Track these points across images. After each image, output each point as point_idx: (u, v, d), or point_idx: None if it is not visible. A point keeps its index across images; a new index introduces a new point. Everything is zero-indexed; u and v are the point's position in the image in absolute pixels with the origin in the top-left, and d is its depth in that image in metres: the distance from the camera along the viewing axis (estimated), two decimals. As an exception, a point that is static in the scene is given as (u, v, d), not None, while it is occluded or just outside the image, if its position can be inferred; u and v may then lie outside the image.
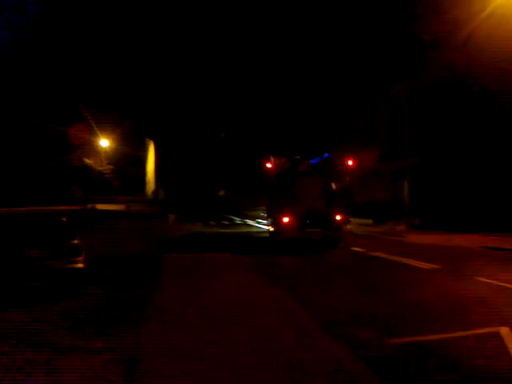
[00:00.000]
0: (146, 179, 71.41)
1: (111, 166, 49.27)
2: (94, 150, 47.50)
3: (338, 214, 16.43)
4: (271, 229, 17.72)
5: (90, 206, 34.36)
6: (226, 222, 34.77)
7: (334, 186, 16.72)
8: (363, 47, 31.60)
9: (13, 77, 35.29)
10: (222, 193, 69.73)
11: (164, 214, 37.72)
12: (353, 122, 36.50)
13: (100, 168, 47.22)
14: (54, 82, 40.79)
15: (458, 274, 11.28)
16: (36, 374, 5.12)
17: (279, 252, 16.01)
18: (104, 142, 46.97)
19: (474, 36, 21.57)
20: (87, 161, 47.03)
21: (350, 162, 16.83)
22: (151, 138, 70.28)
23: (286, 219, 16.13)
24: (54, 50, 39.18)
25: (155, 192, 63.19)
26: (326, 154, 17.51)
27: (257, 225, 28.30)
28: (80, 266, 8.83)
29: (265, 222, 20.83)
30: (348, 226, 17.59)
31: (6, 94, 36.15)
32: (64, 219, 9.86)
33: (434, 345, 6.14)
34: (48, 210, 23.92)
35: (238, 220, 36.80)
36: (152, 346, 5.93)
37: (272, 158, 16.96)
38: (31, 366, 5.34)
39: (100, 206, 37.98)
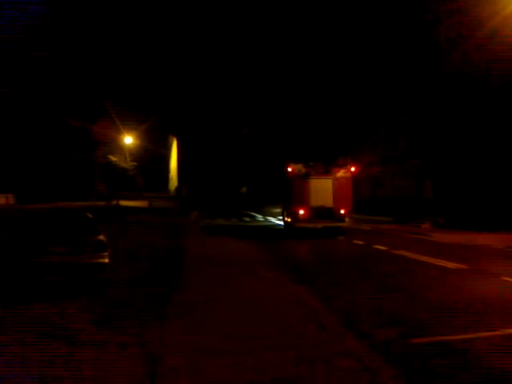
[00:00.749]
0: (169, 176, 72.06)
1: (135, 163, 49.90)
2: (118, 147, 48.17)
3: (342, 209, 20.35)
4: (288, 219, 22.19)
5: (114, 202, 34.83)
6: (247, 219, 34.80)
7: (339, 186, 20.44)
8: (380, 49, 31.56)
9: (41, 76, 35.99)
10: (243, 190, 69.81)
11: (186, 210, 37.99)
12: (372, 125, 36.27)
13: (124, 165, 47.87)
14: (80, 81, 41.48)
15: (484, 274, 11.08)
16: (59, 367, 5.22)
17: (297, 245, 17.83)
18: (128, 139, 47.53)
19: (496, 34, 21.14)
20: (112, 158, 47.74)
21: (353, 169, 20.91)
22: (174, 135, 70.86)
23: (301, 212, 20.34)
24: (80, 50, 39.80)
25: (178, 188, 63.72)
26: (335, 161, 21.27)
27: (279, 222, 28.24)
28: (104, 261, 8.95)
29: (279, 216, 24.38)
30: (346, 219, 20.83)
31: (35, 93, 36.93)
32: (89, 215, 10.02)
33: (458, 345, 6.05)
34: (73, 206, 24.37)
35: (259, 217, 36.76)
36: (175, 342, 5.99)
37: (291, 164, 21.02)
38: (55, 358, 5.45)
39: (124, 202, 38.49)
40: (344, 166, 20.85)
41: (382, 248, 16.30)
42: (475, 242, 17.88)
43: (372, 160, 35.67)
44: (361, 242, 18.14)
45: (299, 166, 20.80)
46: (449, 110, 25.88)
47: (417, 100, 29.28)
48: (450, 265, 12.41)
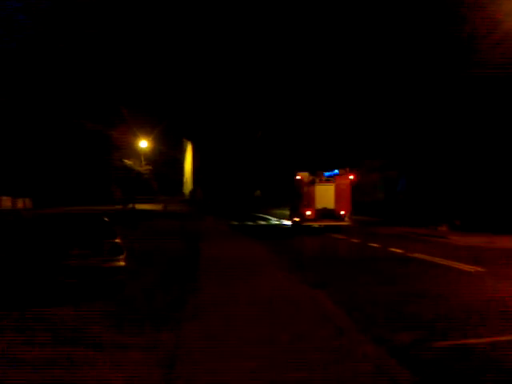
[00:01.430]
0: (184, 179, 72.40)
1: (150, 167, 50.18)
2: (133, 151, 48.48)
3: (341, 210, 23.61)
4: (296, 219, 25.22)
5: (130, 205, 35.05)
6: (262, 223, 34.75)
7: (340, 192, 23.71)
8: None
9: (63, 83, 36.48)
10: (258, 193, 69.81)
11: (201, 213, 38.08)
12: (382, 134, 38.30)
13: (139, 168, 48.14)
14: (97, 86, 41.91)
15: (504, 277, 10.89)
16: (77, 368, 5.24)
17: (311, 247, 18.59)
18: (143, 143, 47.77)
19: None
20: (127, 162, 48.08)
21: (351, 177, 24.13)
22: (189, 139, 71.22)
23: (308, 212, 23.73)
24: (98, 55, 40.25)
25: (192, 192, 63.95)
26: (336, 171, 24.42)
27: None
28: (121, 264, 8.98)
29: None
30: (346, 219, 23.80)
31: (53, 99, 37.39)
32: (106, 219, 10.09)
33: (479, 348, 5.94)
34: (90, 210, 24.60)
35: (274, 220, 36.71)
36: (191, 345, 5.98)
37: (300, 172, 24.57)
38: (72, 359, 5.48)
39: (139, 206, 38.68)
40: (343, 174, 24.14)
41: (398, 251, 16.14)
42: (493, 244, 17.61)
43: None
44: (376, 245, 17.99)
45: (306, 174, 24.28)
46: (455, 110, 25.75)
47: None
48: (469, 268, 12.23)
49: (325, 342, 6.02)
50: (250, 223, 33.54)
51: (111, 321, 7.17)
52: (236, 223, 32.35)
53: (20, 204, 38.50)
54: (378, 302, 8.74)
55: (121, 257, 9.00)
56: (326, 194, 23.59)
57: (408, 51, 31.55)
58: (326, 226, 23.99)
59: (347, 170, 24.50)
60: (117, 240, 9.19)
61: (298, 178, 24.53)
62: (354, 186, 24.61)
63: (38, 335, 6.36)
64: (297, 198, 24.89)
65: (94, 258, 8.70)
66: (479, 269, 12.00)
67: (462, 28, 24.01)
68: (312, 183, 23.83)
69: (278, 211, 42.89)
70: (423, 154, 31.63)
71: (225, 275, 11.20)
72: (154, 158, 51.88)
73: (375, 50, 34.86)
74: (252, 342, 6.08)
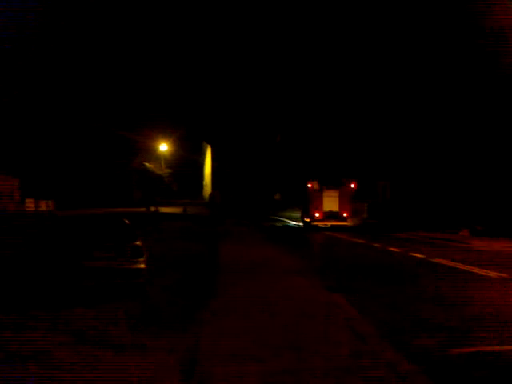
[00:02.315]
0: (204, 183, 72.75)
1: (170, 170, 50.61)
2: (153, 155, 48.96)
3: (344, 213, 28.76)
4: (307, 219, 30.24)
5: (153, 208, 35.33)
6: (280, 225, 34.78)
7: (343, 197, 28.84)
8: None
9: (86, 86, 37.11)
10: (277, 196, 69.70)
11: (220, 216, 38.21)
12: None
13: (159, 172, 48.59)
14: (119, 90, 42.46)
15: (527, 284, 10.69)
16: (99, 369, 5.33)
17: (329, 249, 18.44)
18: (163, 147, 48.23)
19: None
20: (148, 165, 48.57)
21: (352, 185, 29.29)
22: (208, 142, 71.55)
23: (317, 214, 28.88)
24: (120, 60, 40.83)
25: (212, 195, 64.16)
26: (340, 180, 29.66)
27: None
28: (141, 266, 9.08)
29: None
30: (348, 220, 29.15)
31: (81, 103, 38.04)
32: (127, 221, 10.22)
33: (500, 356, 5.85)
34: (113, 212, 24.91)
35: (292, 223, 36.66)
36: (211, 347, 6.02)
37: (310, 181, 29.64)
38: (94, 360, 5.58)
39: (161, 209, 38.93)
40: (346, 183, 29.25)
41: (419, 256, 15.96)
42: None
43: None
44: (396, 250, 17.82)
45: (315, 183, 29.38)
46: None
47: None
48: (491, 273, 12.03)
49: (344, 348, 6.00)
50: (268, 225, 33.83)
51: (132, 322, 7.26)
52: (255, 225, 32.45)
53: (43, 206, 39.16)
54: (398, 306, 8.67)
55: (141, 259, 9.10)
56: (331, 200, 28.67)
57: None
58: (331, 225, 28.88)
59: (349, 179, 29.60)
60: (137, 242, 9.30)
61: (308, 186, 29.52)
62: (355, 191, 29.78)
63: (60, 336, 6.48)
64: (308, 202, 29.64)
65: (115, 260, 8.82)
66: (503, 275, 11.79)
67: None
68: (320, 190, 29.03)
69: (295, 214, 43.03)
70: (442, 156, 31.33)
71: (244, 278, 11.24)
72: (174, 162, 52.33)
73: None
74: (272, 345, 6.09)
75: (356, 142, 44.24)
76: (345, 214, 28.64)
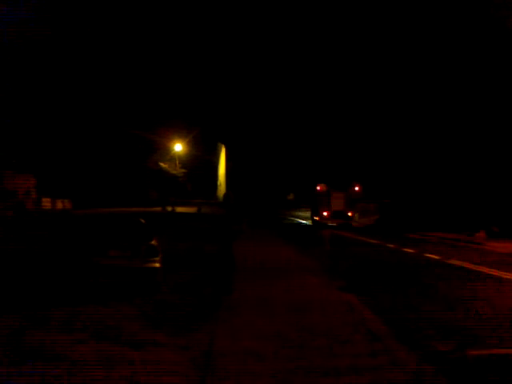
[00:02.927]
0: (218, 183, 72.98)
1: (185, 170, 50.83)
2: (168, 155, 49.20)
3: (349, 212, 32.24)
4: (316, 218, 33.30)
5: (169, 208, 35.51)
6: (292, 224, 34.97)
7: (348, 199, 32.23)
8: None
9: (102, 86, 37.48)
10: (291, 196, 69.66)
11: (233, 216, 38.29)
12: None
13: (174, 172, 48.81)
14: (135, 90, 42.76)
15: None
16: (114, 366, 5.40)
17: (340, 249, 18.63)
18: (178, 147, 48.41)
19: None
20: (162, 165, 48.84)
21: (357, 188, 32.65)
22: (223, 143, 71.74)
23: (325, 213, 32.27)
24: (136, 60, 41.18)
25: (226, 195, 64.23)
26: (346, 183, 32.88)
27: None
28: (156, 265, 9.16)
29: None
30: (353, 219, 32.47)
31: (97, 103, 38.43)
32: (142, 220, 10.32)
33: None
34: (128, 212, 25.10)
35: (304, 222, 36.90)
36: (224, 345, 6.06)
37: (319, 184, 33.04)
38: (111, 357, 5.64)
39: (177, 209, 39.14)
40: (351, 186, 32.61)
41: (435, 257, 15.82)
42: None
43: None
44: (411, 250, 17.69)
45: (324, 186, 32.85)
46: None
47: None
48: (509, 275, 11.88)
49: (359, 348, 5.99)
50: (281, 225, 34.75)
51: (147, 320, 7.34)
52: (269, 225, 32.56)
53: (59, 205, 39.64)
54: (413, 306, 8.62)
55: (157, 258, 9.18)
56: (338, 201, 31.89)
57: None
58: (338, 223, 31.95)
59: (354, 183, 32.90)
60: (153, 242, 9.38)
61: (318, 188, 32.98)
62: (361, 193, 33.12)
63: (76, 333, 6.57)
64: (317, 203, 32.85)
65: (131, 259, 8.91)
66: (520, 277, 11.64)
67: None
68: (329, 192, 32.40)
69: (307, 214, 43.33)
70: (458, 157, 31.08)
71: (258, 276, 11.29)
72: (188, 162, 52.55)
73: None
74: (286, 344, 6.11)
75: (367, 144, 45.81)
76: (349, 214, 32.33)
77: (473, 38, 26.91)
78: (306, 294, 9.32)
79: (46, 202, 37.98)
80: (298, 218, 44.15)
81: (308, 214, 44.53)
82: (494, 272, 12.52)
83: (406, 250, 18.08)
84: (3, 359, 5.51)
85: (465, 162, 30.47)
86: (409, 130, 37.01)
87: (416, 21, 30.98)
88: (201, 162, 60.00)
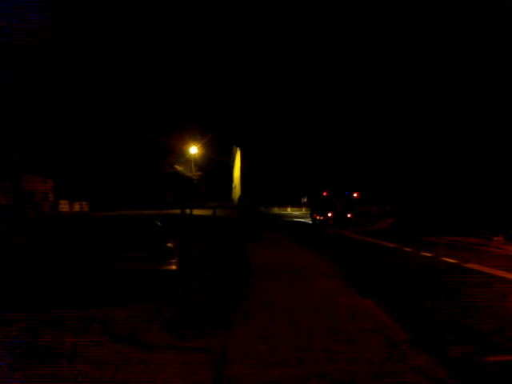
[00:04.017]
0: (233, 185, 73.10)
1: (200, 173, 51.07)
2: (184, 158, 49.47)
3: (349, 214, 37.57)
4: (321, 218, 38.80)
5: (188, 211, 35.67)
6: (305, 226, 35.27)
7: (348, 202, 38.04)
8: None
9: (119, 90, 37.88)
10: (305, 199, 69.55)
11: (248, 219, 38.42)
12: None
13: (189, 174, 49.05)
14: (151, 94, 43.11)
15: None
16: (131, 368, 5.44)
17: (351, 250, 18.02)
18: (193, 149, 48.65)
19: None
20: (178, 167, 49.13)
21: (355, 195, 38.93)
22: (238, 146, 71.88)
23: (329, 214, 37.81)
24: (152, 63, 41.57)
25: (241, 198, 64.40)
26: (346, 191, 38.98)
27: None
28: (172, 268, 9.19)
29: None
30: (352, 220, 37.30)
31: (114, 106, 38.84)
32: (159, 223, 10.38)
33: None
34: (145, 215, 25.28)
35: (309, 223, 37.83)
36: (240, 350, 6.06)
37: (324, 190, 39.24)
38: (126, 360, 5.69)
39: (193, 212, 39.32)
40: (351, 192, 38.60)
41: (452, 261, 15.61)
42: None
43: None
44: (428, 254, 17.49)
45: (328, 191, 38.95)
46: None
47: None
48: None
49: (376, 353, 5.95)
50: (296, 227, 35.73)
51: (163, 323, 7.37)
52: (283, 228, 32.72)
53: (77, 207, 40.13)
54: (431, 311, 8.52)
55: (173, 261, 9.22)
56: (340, 204, 37.68)
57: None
58: (339, 222, 36.04)
59: (352, 191, 38.83)
60: (169, 244, 9.43)
61: (323, 194, 39.14)
62: (360, 199, 39.08)
63: (94, 335, 6.64)
64: (322, 206, 38.83)
65: (147, 261, 8.96)
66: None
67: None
68: (332, 197, 38.26)
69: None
70: (472, 160, 30.75)
71: (273, 280, 11.27)
72: (203, 164, 52.78)
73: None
74: (302, 348, 6.09)
75: (373, 150, 47.56)
76: (349, 215, 37.68)
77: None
78: (320, 297, 9.28)
79: (64, 205, 38.46)
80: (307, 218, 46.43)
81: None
82: (509, 275, 12.31)
83: (422, 253, 17.88)
84: (20, 359, 5.59)
85: (484, 165, 30.04)
86: (422, 132, 36.72)
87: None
88: (216, 165, 60.17)
